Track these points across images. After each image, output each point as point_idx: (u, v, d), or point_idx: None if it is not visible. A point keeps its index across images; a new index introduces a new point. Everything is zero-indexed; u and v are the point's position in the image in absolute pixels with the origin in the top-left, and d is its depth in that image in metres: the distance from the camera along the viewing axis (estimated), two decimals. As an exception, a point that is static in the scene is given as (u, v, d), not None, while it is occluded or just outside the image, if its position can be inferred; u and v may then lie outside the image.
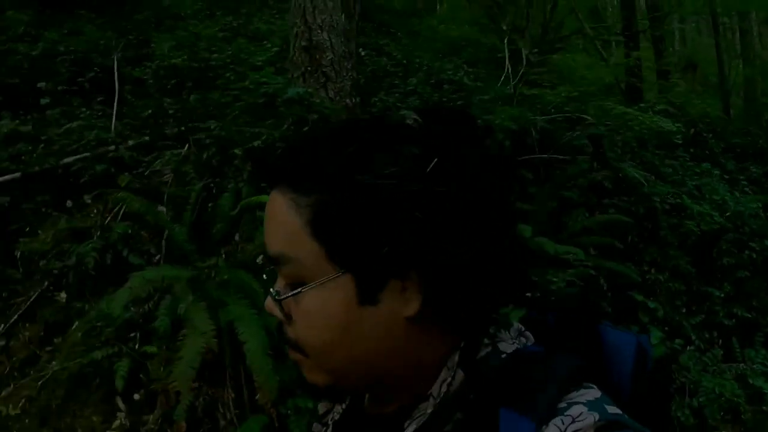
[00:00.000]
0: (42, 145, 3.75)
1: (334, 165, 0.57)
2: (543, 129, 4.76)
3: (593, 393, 0.56)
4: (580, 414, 0.53)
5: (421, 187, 0.55)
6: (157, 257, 3.27)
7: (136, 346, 2.87)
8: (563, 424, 0.52)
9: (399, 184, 0.55)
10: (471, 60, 7.04)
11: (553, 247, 3.84)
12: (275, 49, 5.10)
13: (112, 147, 3.74)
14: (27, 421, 2.74)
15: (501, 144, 4.15)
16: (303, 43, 4.33)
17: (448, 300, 0.57)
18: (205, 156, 3.66)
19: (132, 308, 2.92)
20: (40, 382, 2.83)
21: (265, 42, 5.49)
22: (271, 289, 0.62)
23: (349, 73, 4.44)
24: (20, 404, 2.78)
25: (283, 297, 0.61)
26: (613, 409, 0.54)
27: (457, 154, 0.58)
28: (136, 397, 2.78)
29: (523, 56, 5.73)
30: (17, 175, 3.51)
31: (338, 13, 4.45)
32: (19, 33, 4.89)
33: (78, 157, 3.63)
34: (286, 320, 0.62)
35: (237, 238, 3.31)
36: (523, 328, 0.64)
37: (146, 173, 3.67)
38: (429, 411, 0.59)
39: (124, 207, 3.36)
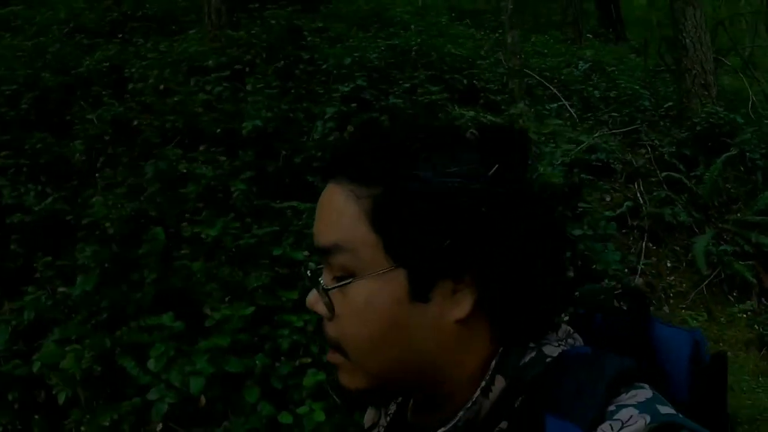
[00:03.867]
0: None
1: (397, 159, 0.57)
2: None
3: (645, 393, 0.53)
4: (630, 417, 0.50)
5: (485, 187, 0.55)
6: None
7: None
8: (612, 429, 0.50)
9: (463, 182, 0.55)
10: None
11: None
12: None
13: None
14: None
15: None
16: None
17: (499, 305, 0.57)
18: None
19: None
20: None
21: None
22: (320, 280, 0.61)
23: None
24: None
25: (333, 287, 0.59)
26: (666, 409, 0.51)
27: (513, 165, 0.58)
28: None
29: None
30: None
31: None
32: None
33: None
34: (330, 315, 0.60)
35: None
36: (572, 330, 0.62)
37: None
38: (461, 416, 0.58)
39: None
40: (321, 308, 0.61)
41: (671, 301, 4.58)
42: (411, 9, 7.18)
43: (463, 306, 0.57)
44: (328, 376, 2.57)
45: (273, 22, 4.81)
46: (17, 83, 4.81)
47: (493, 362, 0.58)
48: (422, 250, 0.56)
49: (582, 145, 4.45)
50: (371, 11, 6.51)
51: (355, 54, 4.53)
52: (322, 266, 0.63)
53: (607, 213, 4.27)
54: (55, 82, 4.73)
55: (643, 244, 4.70)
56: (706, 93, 5.62)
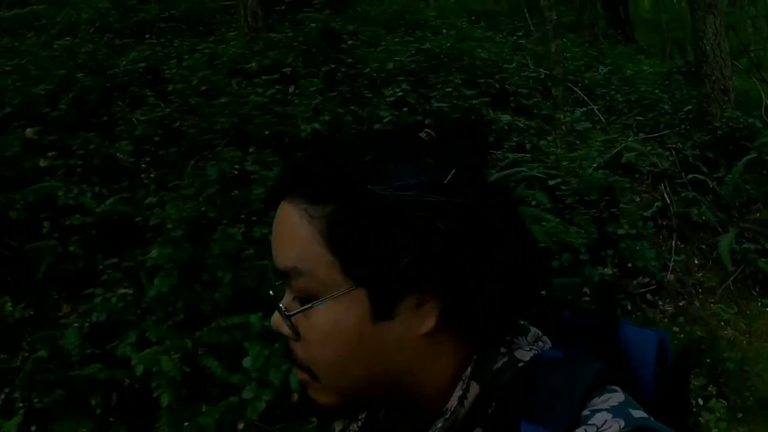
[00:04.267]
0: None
1: (349, 174, 0.55)
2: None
3: (617, 397, 0.53)
4: (605, 422, 0.51)
5: (441, 199, 0.53)
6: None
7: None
8: None
9: (419, 195, 0.53)
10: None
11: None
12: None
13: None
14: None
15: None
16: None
17: (465, 315, 0.56)
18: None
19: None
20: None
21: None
22: (280, 305, 0.59)
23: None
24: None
25: (293, 313, 0.58)
26: (638, 413, 0.52)
27: (471, 166, 0.56)
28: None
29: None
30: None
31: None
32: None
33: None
34: (295, 338, 0.59)
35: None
36: (540, 333, 0.62)
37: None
38: (439, 426, 0.57)
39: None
40: (285, 330, 0.59)
41: (701, 296, 4.74)
42: (432, 13, 7.27)
43: (428, 320, 0.56)
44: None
45: (312, 25, 4.86)
46: (53, 83, 4.81)
47: (468, 369, 0.57)
48: (381, 269, 0.54)
49: (617, 148, 4.57)
50: (396, 14, 6.58)
51: (396, 58, 4.61)
52: (283, 285, 0.61)
53: (643, 213, 4.41)
54: (92, 83, 4.75)
55: (673, 243, 4.86)
56: (726, 98, 5.78)
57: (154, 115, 4.30)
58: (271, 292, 0.62)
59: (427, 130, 0.58)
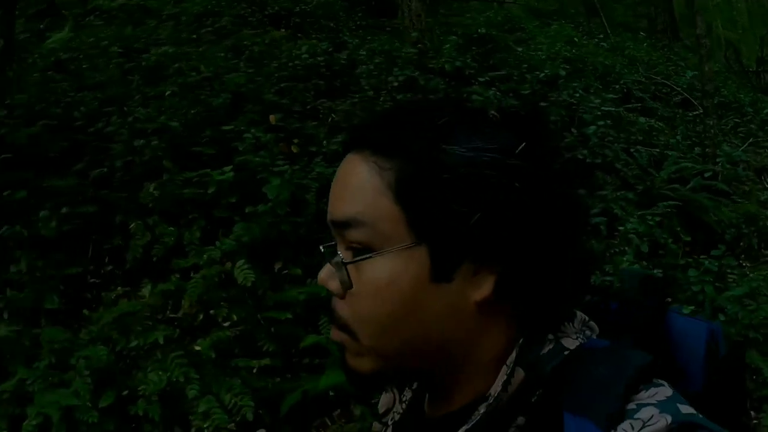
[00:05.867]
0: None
1: (423, 131, 0.55)
2: None
3: (664, 391, 0.52)
4: (651, 417, 0.49)
5: (517, 163, 0.54)
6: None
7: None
8: (633, 429, 0.49)
9: (494, 156, 0.54)
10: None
11: None
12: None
13: None
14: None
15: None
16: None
17: (520, 290, 0.55)
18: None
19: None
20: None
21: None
22: (339, 253, 0.58)
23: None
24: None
25: (350, 261, 0.56)
26: (686, 409, 0.51)
27: (540, 144, 0.57)
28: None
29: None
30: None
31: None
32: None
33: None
34: (345, 290, 0.57)
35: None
36: (587, 319, 0.61)
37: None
38: (482, 411, 0.56)
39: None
40: (334, 285, 0.58)
41: None
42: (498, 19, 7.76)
43: (483, 288, 0.55)
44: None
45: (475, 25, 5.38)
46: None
47: (513, 353, 0.56)
48: (448, 227, 0.53)
49: (743, 147, 5.31)
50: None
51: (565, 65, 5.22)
52: (334, 242, 0.60)
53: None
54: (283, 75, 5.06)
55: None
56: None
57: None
58: (321, 247, 0.62)
59: (494, 112, 0.59)
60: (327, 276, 0.58)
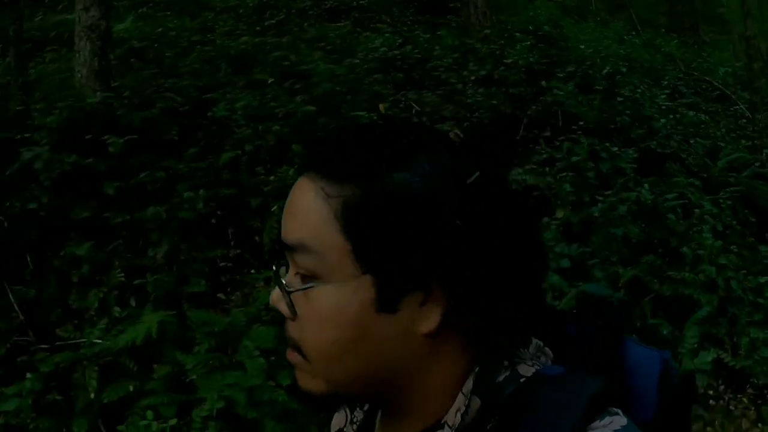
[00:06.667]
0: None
1: (371, 158, 0.54)
2: None
3: (619, 420, 0.53)
4: None
5: (464, 195, 0.53)
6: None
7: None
8: None
9: (441, 187, 0.53)
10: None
11: None
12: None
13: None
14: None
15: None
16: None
17: (469, 320, 0.55)
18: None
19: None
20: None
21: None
22: (282, 280, 0.58)
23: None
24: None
25: (295, 290, 0.57)
26: None
27: (495, 174, 0.57)
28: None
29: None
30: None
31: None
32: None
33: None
34: (292, 317, 0.58)
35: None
36: (542, 344, 0.61)
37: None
38: None
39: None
40: (283, 308, 0.58)
41: None
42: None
43: (430, 320, 0.55)
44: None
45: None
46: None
47: (470, 382, 0.56)
48: (392, 258, 0.53)
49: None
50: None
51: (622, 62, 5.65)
52: (285, 263, 0.60)
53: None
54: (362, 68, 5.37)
55: None
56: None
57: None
58: (273, 266, 0.62)
59: (456, 131, 0.58)
60: (277, 298, 0.58)
